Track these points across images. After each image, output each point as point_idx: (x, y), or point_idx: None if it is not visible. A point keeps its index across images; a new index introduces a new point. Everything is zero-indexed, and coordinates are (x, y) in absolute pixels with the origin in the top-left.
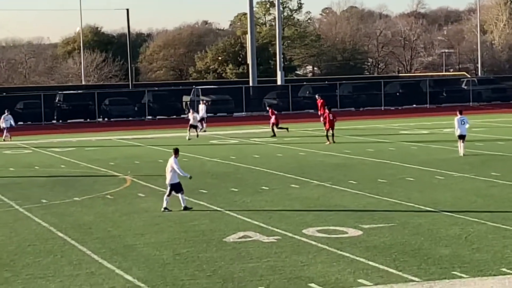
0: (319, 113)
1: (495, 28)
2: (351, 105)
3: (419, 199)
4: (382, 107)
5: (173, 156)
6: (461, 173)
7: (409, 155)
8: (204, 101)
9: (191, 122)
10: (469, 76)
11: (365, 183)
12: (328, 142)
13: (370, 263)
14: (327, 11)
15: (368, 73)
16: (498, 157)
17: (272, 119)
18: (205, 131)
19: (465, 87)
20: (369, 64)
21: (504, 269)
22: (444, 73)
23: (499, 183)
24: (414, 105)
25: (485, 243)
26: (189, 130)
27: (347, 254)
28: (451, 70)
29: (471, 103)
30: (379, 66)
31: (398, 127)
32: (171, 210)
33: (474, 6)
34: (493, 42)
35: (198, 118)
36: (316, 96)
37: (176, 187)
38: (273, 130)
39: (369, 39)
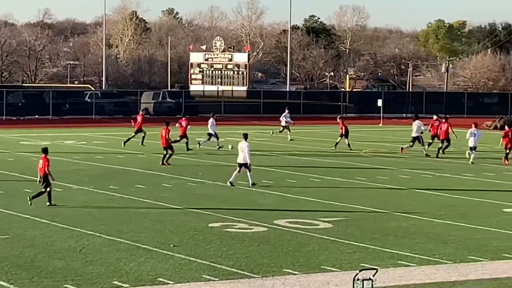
0: None
1: (120, 43)
2: None
3: (36, 212)
4: (4, 116)
5: None
6: (80, 185)
7: (29, 166)
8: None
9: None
10: (93, 89)
11: None
12: None
13: None
14: None
15: None
16: (117, 170)
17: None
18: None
19: (89, 100)
20: None
21: (116, 282)
22: (69, 85)
23: (116, 196)
24: (37, 116)
25: (99, 255)
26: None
27: None
28: (76, 82)
29: (93, 116)
30: (3, 75)
31: (19, 137)
32: None
33: (101, 19)
34: (118, 56)
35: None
36: None
37: None
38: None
39: None
